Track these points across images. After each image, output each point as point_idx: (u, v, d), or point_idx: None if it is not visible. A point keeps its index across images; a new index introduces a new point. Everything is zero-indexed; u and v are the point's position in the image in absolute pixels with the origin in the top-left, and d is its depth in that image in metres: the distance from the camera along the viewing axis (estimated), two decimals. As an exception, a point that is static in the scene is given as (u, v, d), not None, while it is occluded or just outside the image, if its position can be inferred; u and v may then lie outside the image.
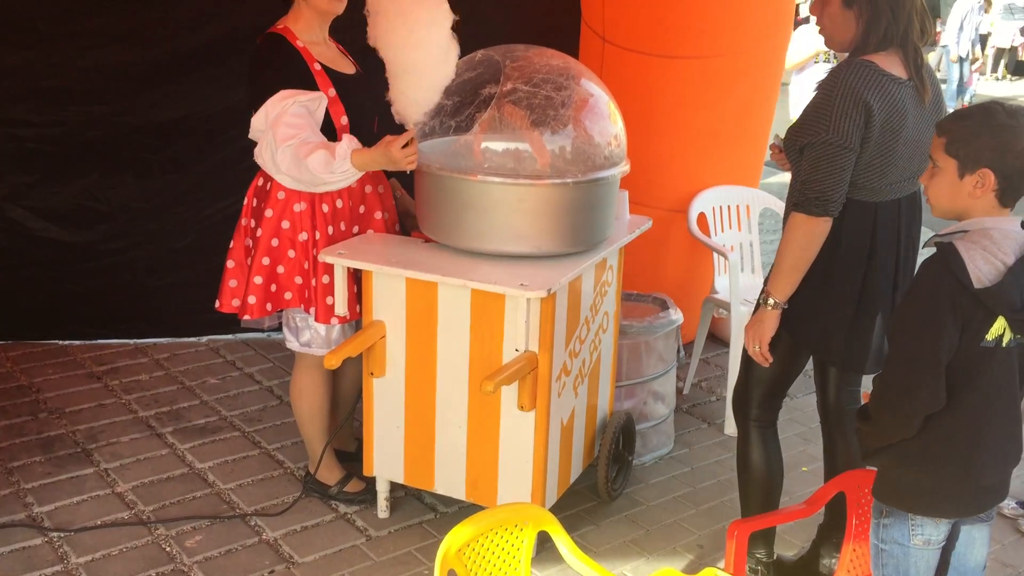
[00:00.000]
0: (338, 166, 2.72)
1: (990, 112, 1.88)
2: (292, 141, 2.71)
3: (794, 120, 2.74)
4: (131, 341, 4.33)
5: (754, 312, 2.52)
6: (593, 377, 3.07)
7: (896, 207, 2.44)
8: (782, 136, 2.62)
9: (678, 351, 3.67)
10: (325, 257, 2.77)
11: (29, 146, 4.02)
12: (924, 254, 1.95)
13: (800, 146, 2.39)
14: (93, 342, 4.30)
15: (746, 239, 4.17)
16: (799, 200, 2.36)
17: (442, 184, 2.74)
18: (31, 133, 4.00)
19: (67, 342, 4.28)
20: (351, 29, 2.95)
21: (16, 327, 4.25)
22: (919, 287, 1.91)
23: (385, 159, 2.71)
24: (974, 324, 1.85)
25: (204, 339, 4.39)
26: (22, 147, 4.01)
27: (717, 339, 4.45)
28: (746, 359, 2.64)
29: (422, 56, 2.69)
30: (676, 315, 3.48)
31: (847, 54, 2.44)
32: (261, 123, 2.77)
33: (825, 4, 2.41)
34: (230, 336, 4.40)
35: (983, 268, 1.83)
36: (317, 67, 2.83)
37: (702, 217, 4.01)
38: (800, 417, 3.82)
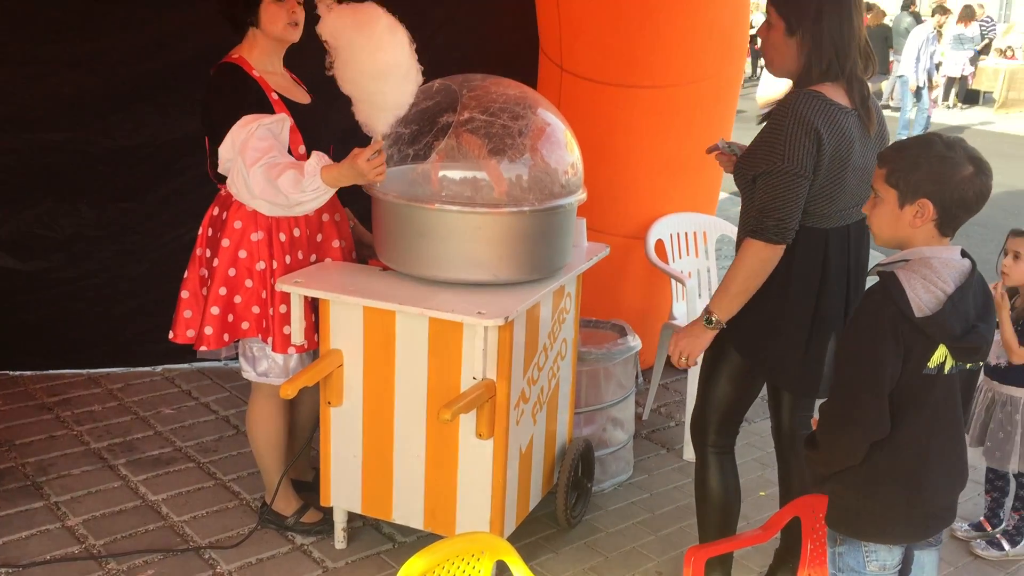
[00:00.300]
0: (308, 184, 2.68)
1: (928, 144, 1.93)
2: (262, 161, 2.68)
3: None
4: (84, 371, 4.25)
5: (691, 324, 2.53)
6: (552, 404, 3.07)
7: (846, 233, 2.49)
8: (727, 141, 2.69)
9: (637, 377, 3.69)
10: (282, 286, 2.75)
11: (-20, 173, 3.96)
12: (869, 282, 1.99)
13: (753, 176, 2.43)
14: (45, 372, 4.22)
15: (703, 265, 4.21)
16: (756, 228, 2.39)
17: (399, 212, 2.75)
18: (-18, 160, 3.94)
19: (18, 372, 4.20)
20: (303, 58, 2.96)
21: (-36, 358, 4.17)
22: (862, 316, 1.94)
23: (353, 172, 2.66)
24: (916, 352, 1.89)
25: (159, 368, 4.33)
26: (-27, 174, 3.95)
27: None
28: (703, 386, 2.66)
29: (386, 65, 2.62)
30: (634, 341, 3.50)
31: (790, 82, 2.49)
32: (229, 151, 2.74)
33: (769, 29, 2.46)
34: (186, 365, 4.34)
35: (923, 297, 1.86)
36: (274, 96, 2.83)
37: (660, 244, 4.05)
38: (758, 442, 3.85)
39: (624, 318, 3.75)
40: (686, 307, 3.81)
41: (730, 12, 4.17)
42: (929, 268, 1.89)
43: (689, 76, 4.09)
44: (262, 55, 2.85)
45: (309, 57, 2.78)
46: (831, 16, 2.35)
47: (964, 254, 1.98)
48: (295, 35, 2.85)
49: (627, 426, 3.57)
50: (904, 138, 2.02)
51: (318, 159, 2.71)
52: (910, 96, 12.43)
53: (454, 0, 4.39)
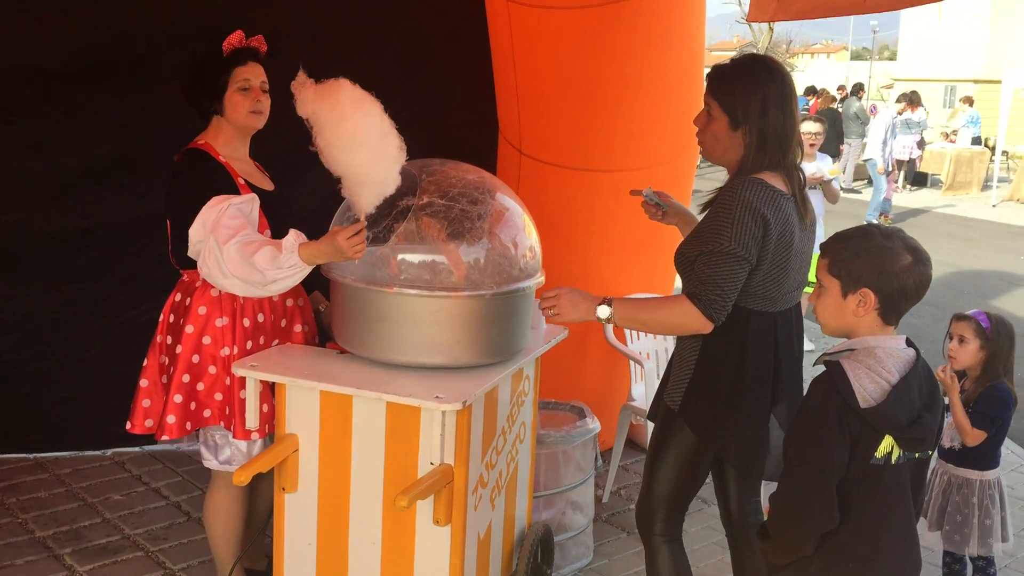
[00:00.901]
0: (285, 260, 2.64)
1: (867, 234, 1.99)
2: (236, 239, 2.65)
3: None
4: (31, 455, 4.14)
5: (586, 296, 2.54)
6: (510, 488, 3.04)
7: (790, 315, 2.54)
8: (654, 191, 2.79)
9: (596, 459, 3.67)
10: (237, 370, 2.72)
11: (-68, 254, 3.90)
12: (815, 371, 2.02)
13: (694, 256, 2.45)
14: (-10, 457, 4.10)
15: (661, 346, 4.24)
16: (698, 294, 2.40)
17: (358, 295, 2.74)
18: (-64, 241, 3.89)
19: (-39, 458, 4.08)
20: (264, 141, 3.00)
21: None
22: (808, 406, 1.96)
23: (332, 249, 2.64)
24: (862, 442, 1.90)
25: (109, 452, 4.23)
26: (-76, 255, 3.89)
27: (636, 446, 4.47)
28: (648, 472, 2.66)
29: (351, 135, 2.61)
30: (593, 423, 3.49)
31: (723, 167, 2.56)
32: (199, 232, 2.71)
33: (710, 120, 2.51)
34: (136, 448, 4.25)
35: (868, 387, 1.89)
36: (241, 181, 2.84)
37: (618, 328, 4.07)
38: (717, 524, 3.81)
39: (583, 399, 3.75)
40: (645, 388, 3.83)
41: (686, 98, 4.28)
42: (874, 358, 1.92)
43: (646, 160, 4.18)
44: (227, 142, 2.88)
45: (269, 139, 2.81)
46: (776, 112, 2.43)
47: (909, 343, 2.01)
48: (259, 123, 2.89)
49: (587, 509, 3.53)
50: (843, 229, 2.07)
51: (296, 236, 2.69)
52: (881, 178, 12.79)
53: (422, 82, 4.46)
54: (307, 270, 2.71)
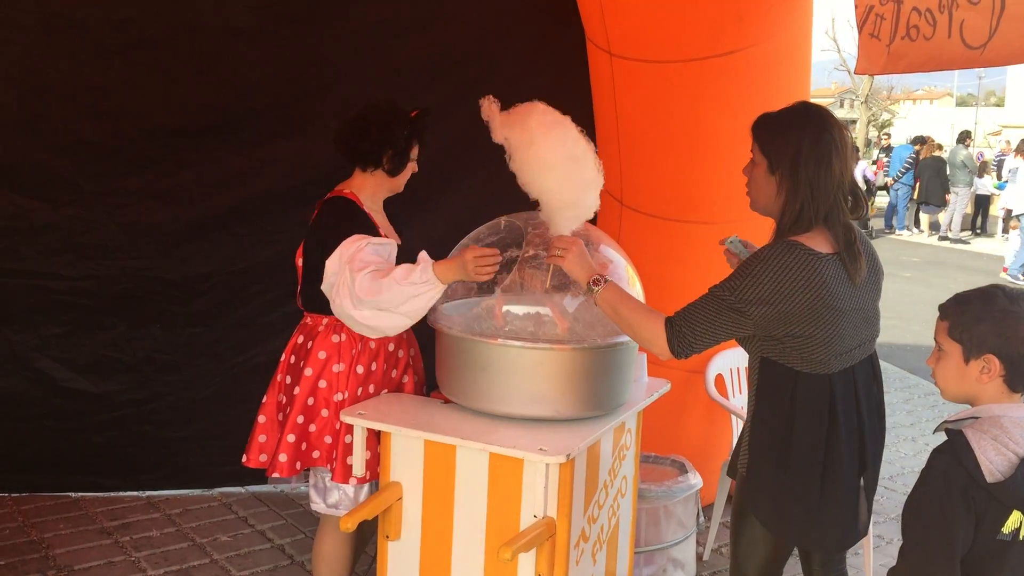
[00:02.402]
0: (419, 275, 2.70)
1: (991, 297, 1.90)
2: (370, 268, 2.72)
3: None
4: (143, 494, 4.30)
5: (589, 265, 2.54)
6: (612, 543, 3.01)
7: (851, 375, 2.39)
8: (741, 240, 2.73)
9: (698, 516, 3.60)
10: (346, 417, 2.79)
11: (60, 298, 4.12)
12: (935, 440, 1.93)
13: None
14: (105, 495, 4.27)
15: (764, 401, 4.15)
16: (675, 320, 2.36)
17: (462, 346, 2.78)
18: (63, 286, 4.11)
19: (79, 494, 4.26)
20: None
21: (32, 479, 4.24)
22: (930, 478, 1.87)
23: (461, 267, 2.70)
24: (988, 518, 1.82)
25: (215, 491, 4.36)
26: (54, 299, 4.11)
27: (737, 502, 4.37)
28: (734, 544, 2.56)
29: (539, 161, 2.67)
30: (695, 479, 3.44)
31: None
32: (335, 265, 2.78)
33: (753, 167, 2.45)
34: (242, 490, 4.37)
35: (995, 460, 1.80)
36: (382, 233, 2.94)
37: (719, 379, 4.02)
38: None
39: (683, 453, 3.70)
40: (748, 444, 3.75)
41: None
42: (1000, 428, 1.84)
43: (743, 212, 4.13)
44: (372, 195, 2.99)
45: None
46: (808, 158, 2.31)
47: None
48: (402, 185, 3.04)
49: (688, 567, 3.47)
50: (965, 291, 1.97)
51: (426, 255, 2.77)
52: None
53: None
54: (441, 288, 2.74)
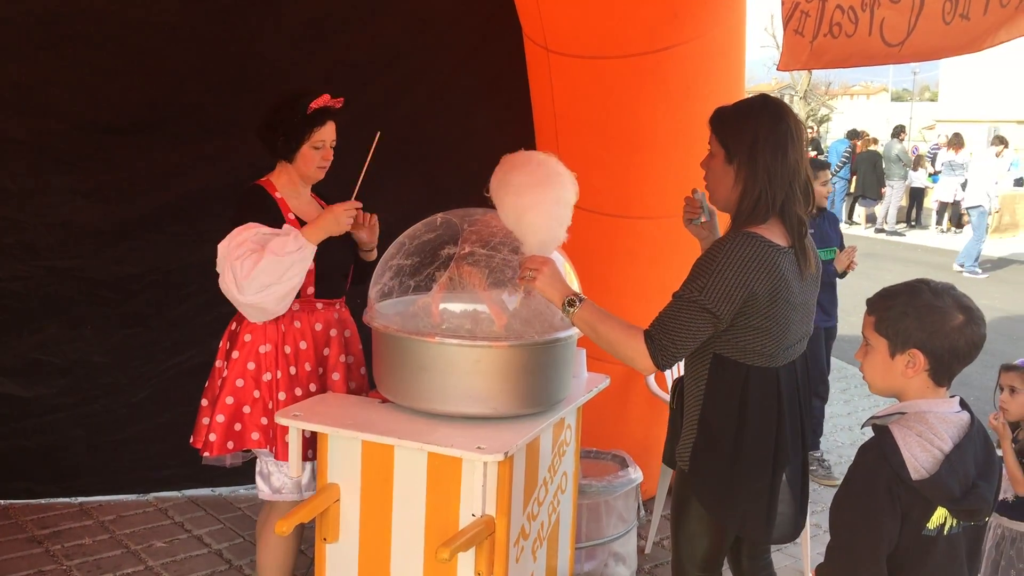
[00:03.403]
0: (293, 243, 2.81)
1: (916, 291, 1.90)
2: (245, 249, 2.81)
3: None
4: (76, 501, 4.19)
5: (563, 284, 2.51)
6: (552, 540, 3.01)
7: (794, 369, 2.45)
8: (703, 194, 2.66)
9: (639, 509, 3.63)
10: (281, 419, 2.74)
11: (-14, 300, 3.99)
12: (871, 431, 1.95)
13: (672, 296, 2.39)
14: (36, 502, 4.16)
15: (704, 394, 4.19)
16: (655, 335, 2.33)
17: (400, 345, 2.75)
18: (-10, 288, 3.98)
19: (8, 502, 4.14)
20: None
21: (-42, 487, 4.12)
22: (856, 476, 1.88)
23: (333, 222, 2.88)
24: (914, 514, 1.82)
25: (150, 496, 4.27)
26: (-21, 302, 3.99)
27: (678, 495, 4.41)
28: (675, 532, 2.58)
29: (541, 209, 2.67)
30: (636, 473, 3.46)
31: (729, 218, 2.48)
32: (222, 251, 2.85)
33: (711, 158, 2.47)
34: (178, 494, 4.29)
35: (920, 456, 1.81)
36: (291, 216, 2.96)
37: (660, 374, 4.05)
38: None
39: (625, 448, 3.72)
40: (687, 437, 3.78)
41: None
42: (925, 424, 1.84)
43: (681, 209, 4.17)
44: (288, 183, 3.03)
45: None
46: (765, 146, 2.33)
47: (963, 404, 1.93)
48: (320, 176, 3.05)
49: (630, 561, 3.49)
50: (890, 285, 1.99)
51: (289, 225, 2.89)
52: (982, 226, 12.37)
53: (466, 128, 4.52)
54: (312, 247, 2.86)
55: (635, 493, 3.50)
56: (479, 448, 2.52)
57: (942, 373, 1.89)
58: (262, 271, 2.79)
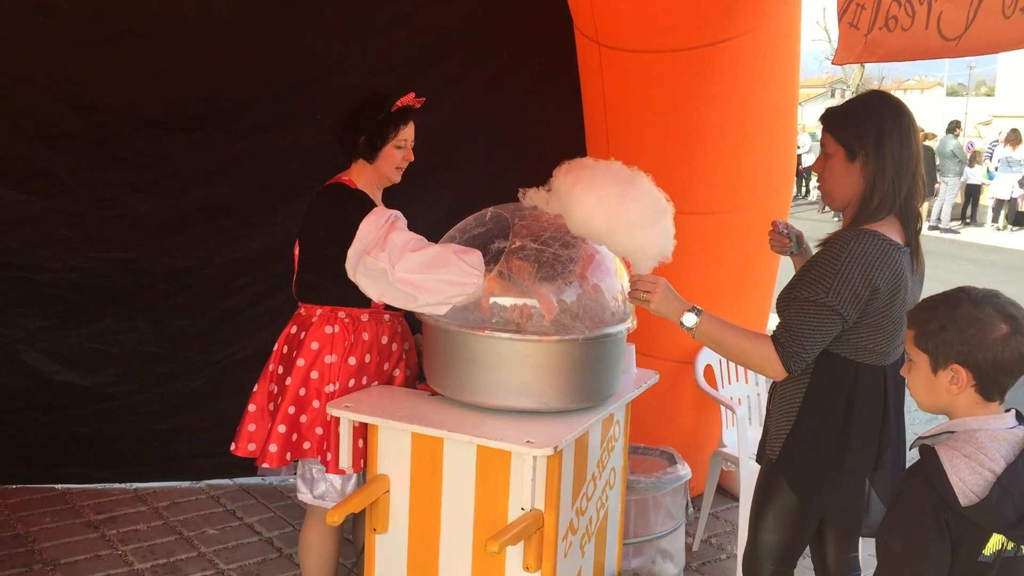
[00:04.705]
0: (476, 260, 2.71)
1: (956, 302, 1.79)
2: (413, 245, 2.72)
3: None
4: (130, 486, 4.28)
5: (677, 299, 2.46)
6: (600, 535, 3.00)
7: (896, 368, 2.44)
8: (787, 223, 2.69)
9: (687, 506, 3.60)
10: (332, 410, 2.77)
11: (46, 291, 4.09)
12: (910, 457, 1.87)
13: (792, 298, 2.38)
14: (92, 487, 4.26)
15: (753, 391, 4.15)
16: (783, 341, 2.32)
17: (449, 338, 2.77)
18: (48, 278, 4.08)
19: (65, 486, 4.24)
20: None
21: (19, 471, 4.22)
22: (902, 504, 1.76)
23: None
24: (966, 542, 1.70)
25: (203, 484, 4.34)
26: (39, 292, 4.08)
27: (726, 493, 4.37)
28: (753, 526, 2.58)
29: (638, 212, 2.64)
30: (684, 470, 3.44)
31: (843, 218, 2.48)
32: (372, 226, 2.74)
33: (827, 159, 2.43)
34: (229, 481, 4.35)
35: (969, 480, 1.68)
36: None
37: (709, 369, 4.01)
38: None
39: (673, 444, 3.69)
40: (736, 434, 3.74)
41: (779, 139, 4.24)
42: (974, 444, 1.72)
43: (737, 203, 4.13)
44: (366, 184, 2.97)
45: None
46: (892, 141, 2.32)
47: (1020, 418, 1.81)
48: (398, 178, 3.01)
49: (677, 558, 3.46)
50: (931, 296, 1.88)
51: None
52: None
53: (522, 119, 4.53)
54: (476, 285, 2.71)
55: (683, 490, 3.48)
56: (528, 442, 2.52)
57: (990, 388, 1.78)
58: (437, 255, 2.68)
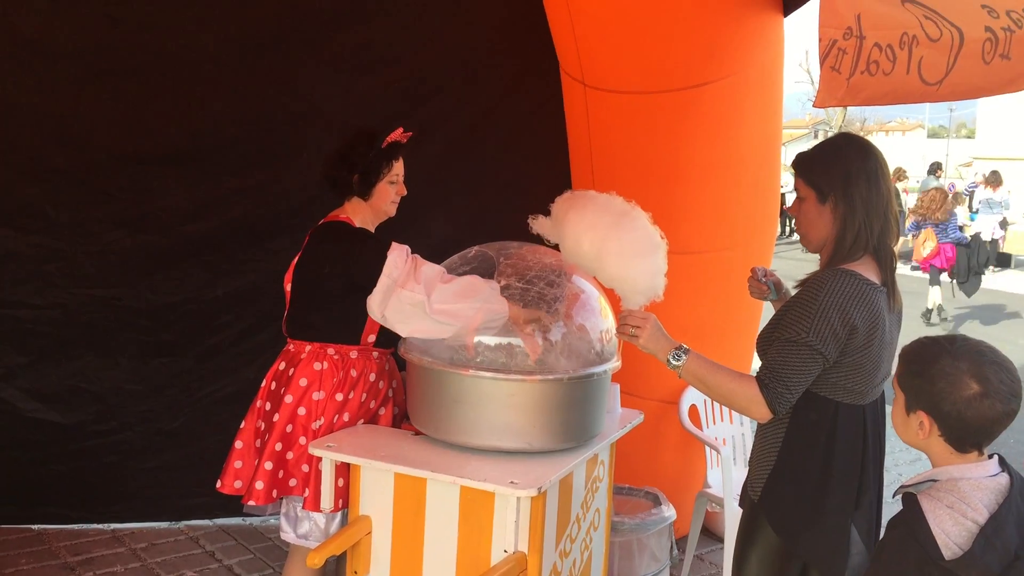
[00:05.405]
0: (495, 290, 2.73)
1: (937, 351, 1.77)
2: (443, 276, 2.75)
3: None
4: (108, 527, 4.21)
5: (665, 337, 2.45)
6: (584, 577, 2.97)
7: (875, 407, 2.45)
8: (765, 269, 2.74)
9: (672, 548, 3.57)
10: (314, 449, 2.74)
11: (26, 327, 4.04)
12: (908, 470, 1.85)
13: (773, 340, 2.38)
14: (69, 527, 4.18)
15: (738, 432, 4.15)
16: (767, 383, 2.32)
17: (433, 377, 2.75)
18: (30, 315, 4.04)
19: (42, 527, 4.17)
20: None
21: (-5, 510, 4.16)
22: (885, 556, 1.74)
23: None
24: None
25: (182, 524, 4.28)
26: (20, 328, 4.04)
27: (712, 534, 4.34)
28: (736, 571, 2.55)
29: (628, 241, 2.66)
30: (669, 511, 3.42)
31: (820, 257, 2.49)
32: (399, 261, 2.76)
33: (801, 203, 2.47)
34: (209, 522, 4.29)
35: (952, 531, 1.66)
36: None
37: (694, 409, 4.01)
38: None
39: (658, 485, 3.68)
40: (721, 475, 3.73)
41: (763, 180, 4.27)
42: (956, 494, 1.69)
43: (721, 243, 4.15)
44: (364, 221, 3.00)
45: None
46: (860, 182, 2.35)
47: (1003, 464, 1.78)
48: (393, 211, 3.04)
49: (662, 601, 3.43)
50: (924, 337, 1.87)
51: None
52: None
53: (507, 160, 4.55)
54: (506, 311, 2.73)
55: (668, 531, 3.45)
56: (512, 483, 2.50)
57: (958, 440, 1.76)
58: (472, 291, 2.71)
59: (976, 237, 11.98)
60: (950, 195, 12.50)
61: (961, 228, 13.03)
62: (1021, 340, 9.94)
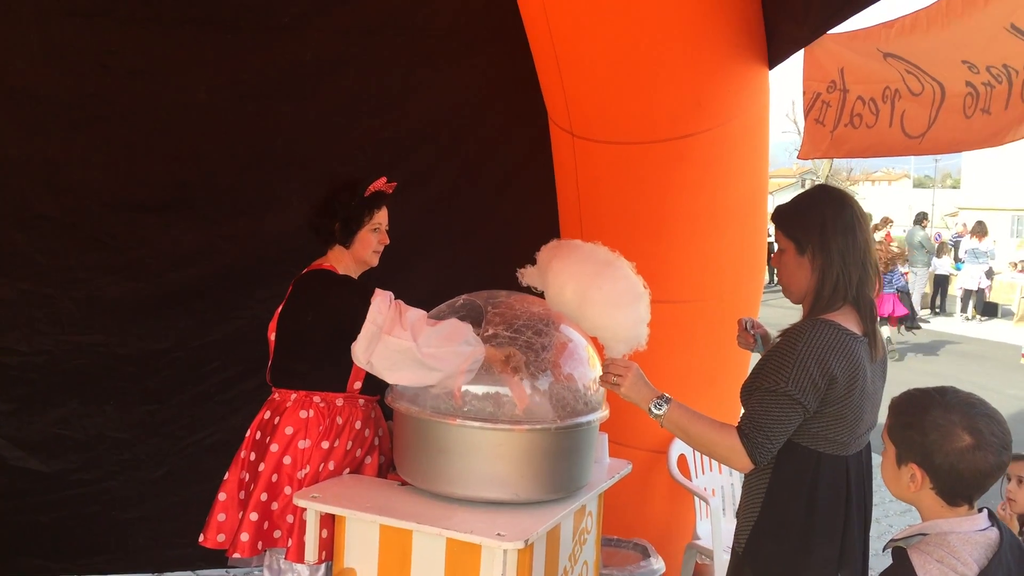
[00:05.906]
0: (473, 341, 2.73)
1: (928, 403, 1.77)
2: (427, 320, 2.75)
3: None
4: (90, 579, 4.14)
5: (647, 385, 2.46)
6: (572, 631, 2.93)
7: (859, 458, 2.43)
8: (752, 320, 2.76)
9: (661, 601, 3.53)
10: (299, 500, 2.71)
11: (11, 374, 4.02)
12: (898, 522, 1.85)
13: (754, 389, 2.38)
14: (50, 581, 4.11)
15: (727, 482, 4.12)
16: (748, 433, 2.31)
17: (420, 427, 2.74)
18: (16, 361, 4.02)
19: (23, 580, 4.10)
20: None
21: (-28, 563, 4.08)
22: None
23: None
24: None
25: (165, 576, 4.21)
26: (5, 375, 4.01)
27: (701, 586, 4.30)
28: None
29: (611, 290, 2.69)
30: (658, 563, 3.38)
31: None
32: (382, 308, 2.75)
33: (781, 254, 2.49)
34: (191, 573, 4.22)
35: None
36: None
37: (682, 459, 3.99)
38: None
39: (647, 536, 3.64)
40: (711, 526, 3.70)
41: (750, 230, 4.30)
42: (946, 548, 1.68)
43: (708, 292, 4.17)
44: (346, 269, 3.01)
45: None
46: (835, 230, 2.37)
47: (992, 518, 1.78)
48: (375, 261, 3.05)
49: (651, 655, 3.38)
50: (914, 389, 1.87)
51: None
52: None
53: (500, 209, 4.58)
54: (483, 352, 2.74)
55: (657, 584, 3.42)
56: (499, 535, 2.48)
57: (950, 493, 1.76)
58: (458, 334, 2.71)
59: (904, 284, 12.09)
60: (894, 246, 12.59)
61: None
62: (1010, 388, 9.97)
